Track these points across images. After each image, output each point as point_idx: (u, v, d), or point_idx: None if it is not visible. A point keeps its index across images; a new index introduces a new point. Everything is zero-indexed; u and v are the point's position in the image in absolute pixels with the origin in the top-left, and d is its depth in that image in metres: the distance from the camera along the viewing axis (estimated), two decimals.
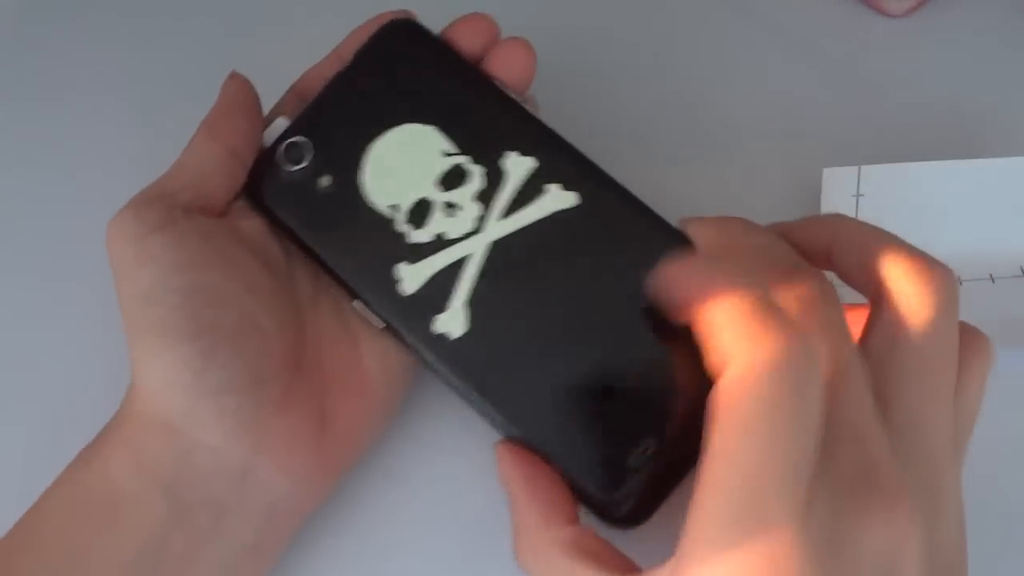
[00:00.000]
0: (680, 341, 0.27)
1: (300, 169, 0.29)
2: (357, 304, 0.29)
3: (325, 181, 0.29)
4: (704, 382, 0.26)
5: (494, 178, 0.28)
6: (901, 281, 0.24)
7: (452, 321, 0.28)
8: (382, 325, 0.29)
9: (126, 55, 0.39)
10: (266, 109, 0.30)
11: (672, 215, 0.33)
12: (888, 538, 0.21)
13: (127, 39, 0.39)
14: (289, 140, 0.29)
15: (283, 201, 0.29)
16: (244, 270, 0.28)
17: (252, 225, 0.29)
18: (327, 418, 0.28)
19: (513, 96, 0.29)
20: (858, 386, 0.23)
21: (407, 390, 0.30)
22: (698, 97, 0.37)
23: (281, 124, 0.30)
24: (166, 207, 0.27)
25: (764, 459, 0.20)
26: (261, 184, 0.29)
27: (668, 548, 0.27)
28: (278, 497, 0.27)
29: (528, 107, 0.29)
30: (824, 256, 0.26)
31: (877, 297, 0.24)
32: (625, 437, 0.26)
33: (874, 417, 0.23)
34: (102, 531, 0.26)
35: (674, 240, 0.27)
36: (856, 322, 0.25)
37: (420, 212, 0.28)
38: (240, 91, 0.30)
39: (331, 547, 0.30)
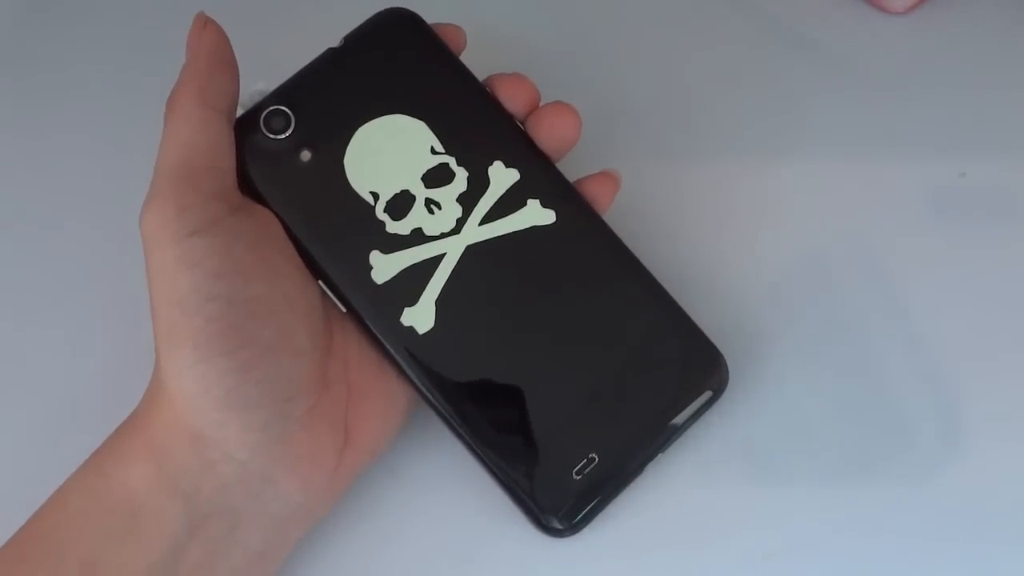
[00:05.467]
0: (633, 362, 0.29)
1: (280, 139, 0.29)
2: (322, 285, 0.29)
3: (306, 155, 0.29)
4: (652, 400, 0.29)
5: (478, 183, 0.29)
6: None
7: (421, 316, 0.29)
8: (344, 310, 0.29)
9: (126, 53, 0.37)
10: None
11: (671, 211, 0.34)
12: None
13: (127, 38, 0.37)
14: (272, 107, 0.29)
15: (259, 168, 0.29)
16: (285, 280, 0.27)
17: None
18: (350, 430, 0.28)
19: (506, 108, 0.30)
20: None
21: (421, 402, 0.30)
22: (696, 93, 0.37)
23: (259, 88, 0.29)
24: (206, 201, 0.26)
25: None
26: (240, 148, 0.28)
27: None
28: (292, 507, 0.27)
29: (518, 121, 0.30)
30: None
31: None
32: (572, 450, 0.28)
33: None
34: (119, 541, 0.25)
35: (636, 271, 0.30)
36: None
37: (401, 204, 0.29)
38: (218, 43, 0.28)
39: (333, 545, 0.30)
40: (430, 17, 0.31)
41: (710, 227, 0.34)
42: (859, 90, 0.36)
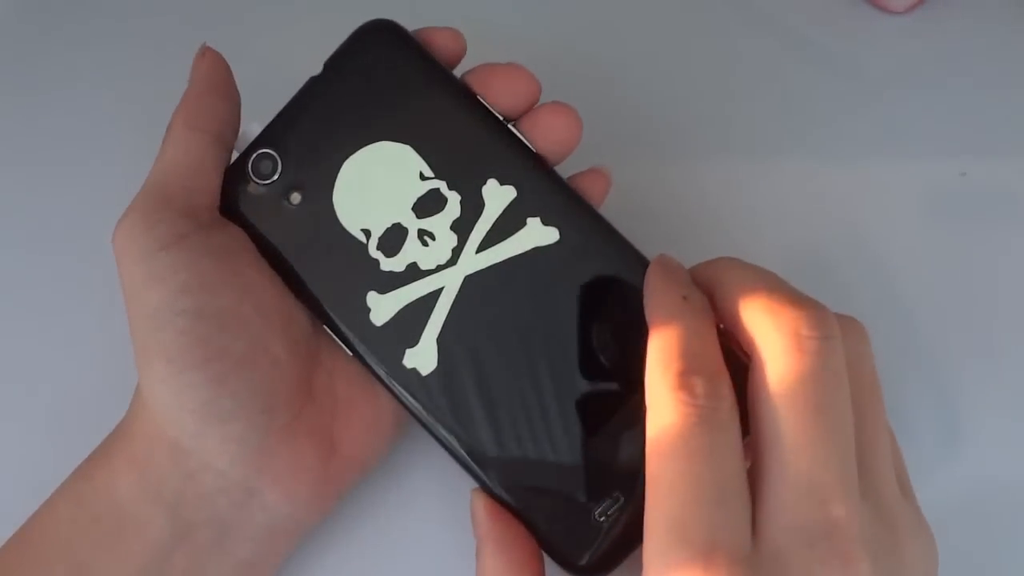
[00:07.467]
0: None
1: (269, 183, 0.28)
2: (327, 329, 0.28)
3: (295, 198, 0.28)
4: None
5: (471, 207, 0.27)
6: (764, 333, 0.23)
7: (423, 356, 0.27)
8: (350, 354, 0.28)
9: (126, 54, 0.37)
10: (266, 110, 0.29)
11: (671, 211, 0.34)
12: None
13: (127, 38, 0.38)
14: (258, 152, 0.28)
15: (253, 215, 0.28)
16: (257, 292, 0.27)
17: None
18: (336, 443, 0.28)
19: (498, 116, 0.28)
20: (831, 443, 0.22)
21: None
22: (697, 93, 0.36)
23: (253, 130, 0.28)
24: (175, 218, 0.26)
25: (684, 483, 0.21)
26: (232, 195, 0.28)
27: None
28: (280, 518, 0.27)
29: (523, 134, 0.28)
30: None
31: (746, 347, 0.24)
32: (594, 489, 0.26)
33: (846, 470, 0.22)
34: (106, 549, 0.26)
35: None
36: None
37: (393, 238, 0.27)
38: (213, 70, 0.28)
39: (331, 549, 0.30)
40: (424, 17, 0.29)
41: (710, 227, 0.33)
42: (859, 90, 0.36)
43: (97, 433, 0.28)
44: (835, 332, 0.23)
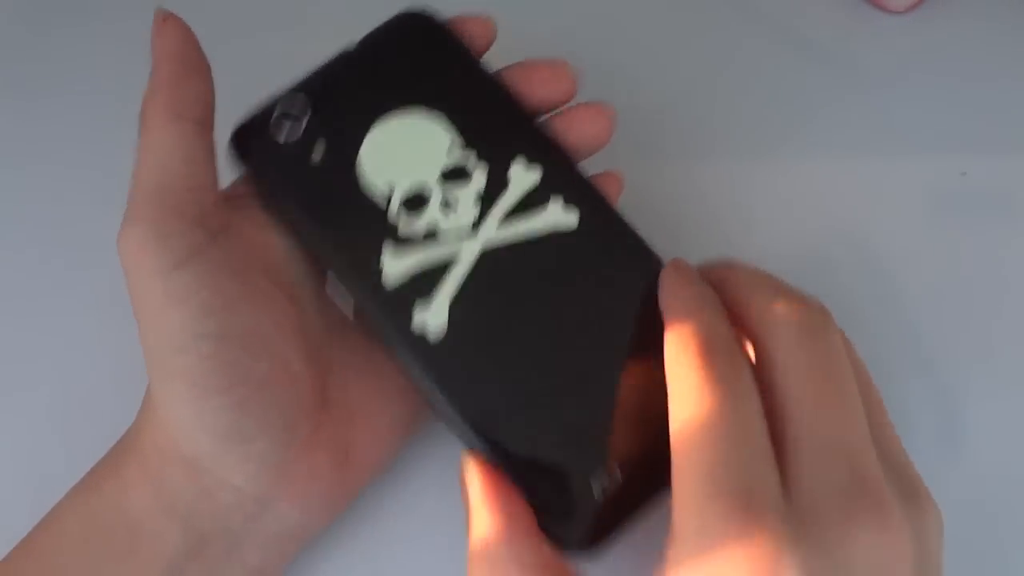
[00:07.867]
0: (656, 371, 0.27)
1: (293, 138, 0.28)
2: (331, 275, 0.28)
3: (318, 155, 0.28)
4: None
5: (497, 183, 0.28)
6: (770, 323, 0.24)
7: (432, 321, 0.27)
8: (355, 309, 0.28)
9: (126, 55, 0.35)
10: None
11: (670, 210, 0.34)
12: (881, 548, 0.21)
13: (127, 39, 0.36)
14: (284, 105, 0.28)
15: (270, 165, 0.28)
16: (274, 306, 0.26)
17: (270, 242, 0.27)
18: (350, 450, 0.28)
19: (538, 95, 0.29)
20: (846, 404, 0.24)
21: (426, 416, 0.30)
22: (697, 92, 0.37)
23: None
24: (187, 229, 0.24)
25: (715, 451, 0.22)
26: (250, 143, 0.28)
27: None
28: (291, 526, 0.27)
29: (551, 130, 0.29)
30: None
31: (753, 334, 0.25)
32: (593, 461, 0.27)
33: (865, 431, 0.23)
34: (117, 562, 0.25)
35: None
36: None
37: (415, 203, 0.28)
38: (184, 45, 0.25)
39: (333, 550, 0.30)
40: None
41: (709, 226, 0.34)
42: (859, 90, 0.37)
43: (97, 434, 0.28)
44: (831, 322, 0.25)
